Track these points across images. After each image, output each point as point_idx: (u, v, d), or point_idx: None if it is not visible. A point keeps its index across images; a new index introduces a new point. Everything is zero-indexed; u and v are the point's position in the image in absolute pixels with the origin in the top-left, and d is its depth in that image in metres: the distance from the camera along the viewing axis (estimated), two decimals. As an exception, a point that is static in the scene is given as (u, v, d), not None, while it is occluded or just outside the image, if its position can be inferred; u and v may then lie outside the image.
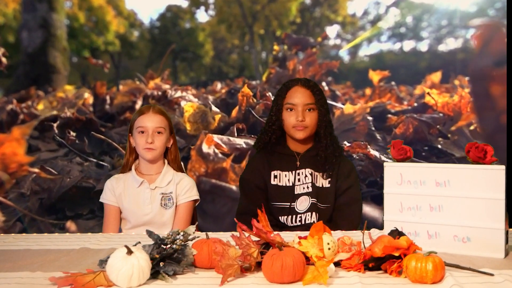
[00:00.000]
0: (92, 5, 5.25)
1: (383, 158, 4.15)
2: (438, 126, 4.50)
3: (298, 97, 2.23)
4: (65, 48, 5.16)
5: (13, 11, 5.04)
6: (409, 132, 4.46)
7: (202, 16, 5.51)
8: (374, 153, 4.12)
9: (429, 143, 4.46)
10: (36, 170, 4.30)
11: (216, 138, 4.10)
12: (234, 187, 3.91)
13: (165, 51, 5.29)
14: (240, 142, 4.16)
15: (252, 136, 4.31)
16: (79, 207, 4.19)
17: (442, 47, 4.98)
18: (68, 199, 4.18)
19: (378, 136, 4.55)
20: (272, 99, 3.89)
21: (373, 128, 4.56)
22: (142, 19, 5.36)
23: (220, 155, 4.02)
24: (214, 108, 4.59)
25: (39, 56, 5.10)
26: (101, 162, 4.45)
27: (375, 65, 5.07)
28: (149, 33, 5.39)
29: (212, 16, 5.48)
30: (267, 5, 5.36)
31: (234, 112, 4.59)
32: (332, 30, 5.36)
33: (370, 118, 4.61)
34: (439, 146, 4.46)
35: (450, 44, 4.95)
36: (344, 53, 5.32)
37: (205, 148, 3.99)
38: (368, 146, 4.12)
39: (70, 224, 4.10)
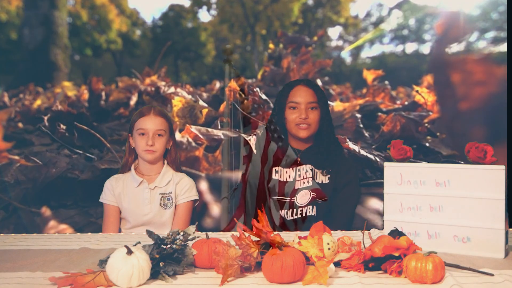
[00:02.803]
0: (95, 3, 5.25)
1: (362, 152, 4.12)
2: (426, 125, 4.50)
3: (301, 95, 2.26)
4: (66, 45, 5.16)
5: (16, 8, 5.05)
6: (396, 130, 4.44)
7: (204, 15, 5.51)
8: (353, 146, 4.10)
9: (416, 140, 4.45)
10: (16, 157, 4.26)
11: (194, 129, 4.10)
12: (203, 174, 3.91)
13: (167, 50, 5.29)
14: (219, 133, 4.17)
15: (238, 130, 4.31)
16: (64, 197, 4.18)
17: (444, 50, 4.97)
18: (53, 190, 4.17)
19: (365, 134, 4.54)
20: (260, 95, 3.89)
21: (361, 126, 4.56)
22: (145, 18, 5.36)
23: (193, 144, 4.02)
24: (201, 102, 4.58)
25: (40, 53, 5.09)
26: (89, 155, 4.44)
27: (376, 67, 5.05)
28: (151, 32, 5.38)
29: (214, 16, 5.48)
30: (269, 5, 5.36)
31: (222, 107, 4.59)
32: (334, 31, 5.35)
33: (358, 115, 4.61)
34: (427, 144, 4.45)
35: (452, 47, 4.94)
36: (346, 55, 5.31)
37: (178, 136, 4.01)
38: (348, 140, 4.11)
39: (45, 210, 4.07)
